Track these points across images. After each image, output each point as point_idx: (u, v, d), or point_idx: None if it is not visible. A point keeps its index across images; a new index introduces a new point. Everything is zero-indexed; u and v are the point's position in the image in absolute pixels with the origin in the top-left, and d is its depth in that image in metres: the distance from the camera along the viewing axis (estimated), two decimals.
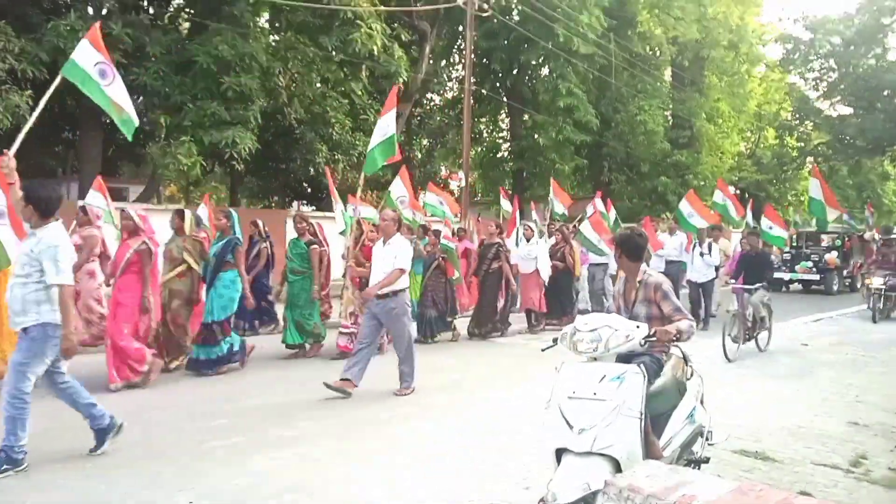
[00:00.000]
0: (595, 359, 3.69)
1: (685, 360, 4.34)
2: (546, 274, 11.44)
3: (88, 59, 6.86)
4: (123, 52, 14.30)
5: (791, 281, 20.49)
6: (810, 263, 20.32)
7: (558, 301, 11.92)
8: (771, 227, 14.56)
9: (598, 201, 14.41)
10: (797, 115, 35.14)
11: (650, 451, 3.54)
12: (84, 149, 16.41)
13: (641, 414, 3.47)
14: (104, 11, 15.10)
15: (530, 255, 11.52)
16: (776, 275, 21.29)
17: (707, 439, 4.38)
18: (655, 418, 3.80)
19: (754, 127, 34.16)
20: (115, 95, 6.93)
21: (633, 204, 27.95)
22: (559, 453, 3.50)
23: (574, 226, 13.29)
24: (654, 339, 3.82)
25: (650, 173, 26.35)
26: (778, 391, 7.65)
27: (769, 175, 33.95)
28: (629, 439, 3.40)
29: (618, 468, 3.33)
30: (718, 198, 15.83)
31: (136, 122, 7.24)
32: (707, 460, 4.26)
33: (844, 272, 20.85)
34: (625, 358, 3.85)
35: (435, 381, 7.67)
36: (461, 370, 8.45)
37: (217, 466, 4.79)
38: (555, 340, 3.92)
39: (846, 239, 21.42)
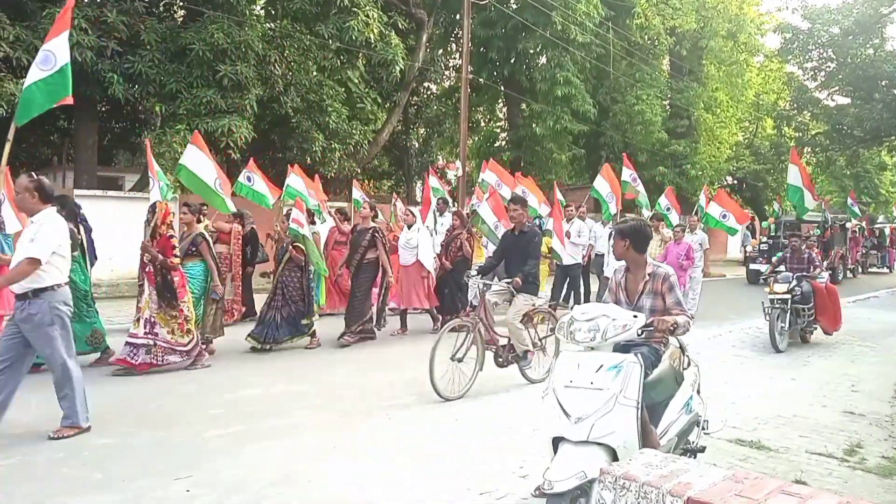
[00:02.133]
0: (592, 348, 3.69)
1: (682, 349, 4.35)
2: (430, 265, 10.13)
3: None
4: (119, 41, 14.22)
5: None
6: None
7: (449, 296, 10.37)
8: (724, 216, 13.49)
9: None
10: (795, 105, 35.04)
11: (647, 440, 3.54)
12: (79, 137, 16.33)
13: (638, 403, 3.47)
14: None
15: (409, 243, 10.20)
16: (752, 266, 20.83)
17: (703, 428, 4.39)
18: (652, 407, 3.80)
19: (752, 117, 34.07)
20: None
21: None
22: (556, 442, 3.50)
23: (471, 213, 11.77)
24: (651, 328, 3.82)
25: (648, 163, 26.29)
26: (774, 381, 7.67)
27: (767, 165, 33.94)
28: (626, 428, 3.40)
29: (614, 457, 3.33)
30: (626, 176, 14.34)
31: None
32: (703, 449, 4.27)
33: (825, 263, 20.68)
34: (623, 348, 3.85)
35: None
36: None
37: (214, 455, 4.80)
38: (552, 331, 3.92)
39: (826, 228, 20.95)
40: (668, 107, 28.22)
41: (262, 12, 18.85)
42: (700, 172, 26.62)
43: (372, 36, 16.80)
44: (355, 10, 16.46)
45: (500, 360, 7.05)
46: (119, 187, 19.55)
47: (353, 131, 18.66)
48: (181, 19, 17.63)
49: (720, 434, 5.04)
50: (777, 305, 9.50)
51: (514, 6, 24.08)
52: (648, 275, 4.19)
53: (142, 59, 14.53)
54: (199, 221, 8.43)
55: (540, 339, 7.28)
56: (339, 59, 18.47)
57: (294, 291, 8.68)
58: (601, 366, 3.58)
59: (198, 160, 8.18)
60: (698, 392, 4.44)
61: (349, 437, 5.30)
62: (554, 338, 6.95)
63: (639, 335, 3.75)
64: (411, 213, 10.63)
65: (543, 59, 25.48)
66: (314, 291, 9.36)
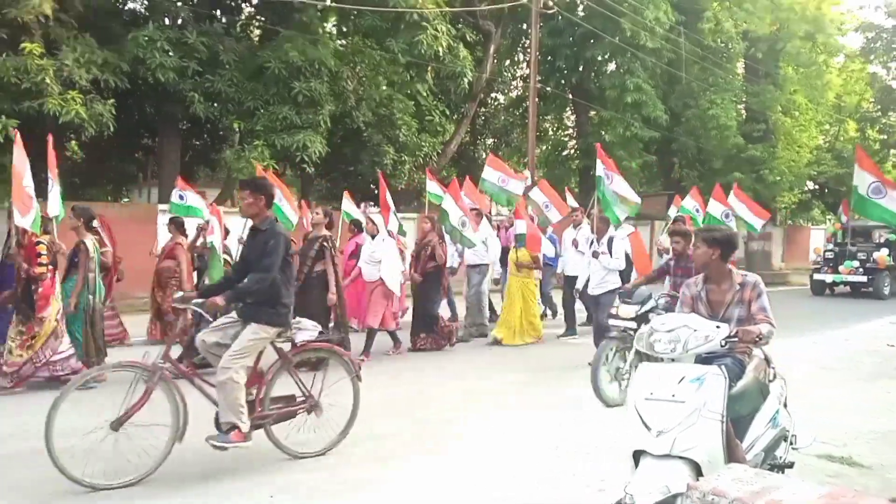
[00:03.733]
0: (673, 360, 3.62)
1: (767, 361, 4.21)
2: (393, 282, 8.87)
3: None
4: (199, 61, 14.81)
5: (835, 283, 18.16)
6: (856, 263, 17.84)
7: (422, 311, 9.49)
8: (727, 215, 12.47)
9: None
10: (879, 106, 33.53)
11: (732, 455, 3.44)
12: (163, 154, 17.06)
13: (723, 416, 3.38)
14: (179, 21, 15.69)
15: (373, 257, 9.14)
16: (816, 276, 18.45)
17: (791, 443, 4.24)
18: (737, 421, 3.70)
19: (833, 119, 32.73)
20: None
21: (705, 200, 27.19)
22: (637, 456, 3.45)
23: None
24: (735, 339, 3.72)
25: (723, 169, 25.55)
26: (864, 394, 7.34)
27: (850, 169, 32.50)
28: (710, 442, 3.32)
29: (698, 472, 3.26)
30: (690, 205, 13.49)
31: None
32: (791, 465, 4.12)
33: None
34: (705, 360, 3.76)
35: (503, 380, 7.66)
36: (530, 369, 8.39)
37: (293, 460, 4.91)
38: (632, 343, 3.85)
39: None
40: (743, 111, 27.42)
41: (335, 30, 19.32)
42: (779, 178, 25.72)
43: (440, 49, 16.97)
44: (424, 24, 16.68)
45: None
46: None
47: (423, 143, 18.89)
48: (258, 39, 18.27)
49: (809, 450, 4.85)
50: (614, 336, 6.82)
51: (582, 14, 23.92)
52: (739, 284, 4.06)
53: (221, 79, 15.09)
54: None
55: (308, 393, 5.09)
56: (408, 72, 18.73)
57: None
58: (683, 378, 3.50)
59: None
60: (785, 405, 4.29)
61: (421, 445, 5.35)
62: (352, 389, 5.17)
63: (722, 346, 3.65)
64: (371, 221, 9.48)
65: (612, 66, 25.17)
66: None
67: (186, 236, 9.47)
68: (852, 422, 6.13)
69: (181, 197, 10.26)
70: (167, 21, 15.55)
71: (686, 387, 3.46)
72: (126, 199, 23.26)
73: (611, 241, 9.01)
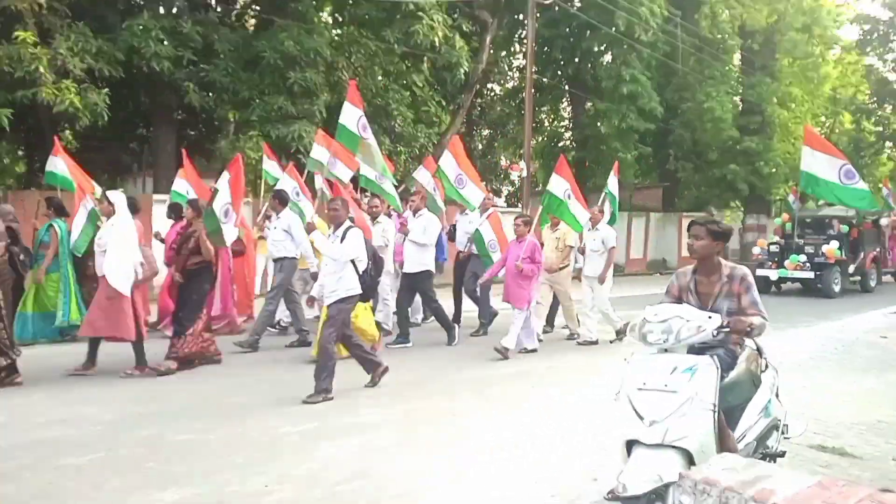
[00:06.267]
0: (666, 350, 3.62)
1: (759, 352, 4.22)
2: (122, 283, 6.86)
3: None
4: (194, 50, 14.72)
5: (781, 280, 16.43)
6: (803, 257, 16.23)
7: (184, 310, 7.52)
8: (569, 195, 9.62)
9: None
10: (875, 98, 33.59)
11: (724, 445, 3.46)
12: (158, 145, 16.97)
13: (715, 406, 3.39)
14: (174, 10, 15.59)
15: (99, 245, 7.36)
16: (759, 272, 15.90)
17: (783, 433, 4.25)
18: (729, 411, 3.71)
19: (829, 111, 32.78)
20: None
21: (701, 192, 27.22)
22: (629, 445, 3.46)
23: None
24: (727, 329, 3.72)
25: (719, 161, 25.61)
26: (857, 385, 7.37)
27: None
28: (702, 431, 3.34)
29: (690, 461, 3.27)
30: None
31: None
32: (783, 454, 4.15)
33: (851, 267, 16.99)
34: (697, 350, 3.76)
35: (498, 373, 7.68)
36: (526, 362, 8.41)
37: (289, 452, 4.92)
38: (618, 333, 3.86)
39: (854, 225, 17.43)
40: (739, 102, 27.43)
41: (330, 19, 19.22)
42: (774, 170, 25.76)
43: (437, 39, 16.90)
44: (420, 14, 16.60)
45: None
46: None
47: (419, 134, 18.82)
48: (253, 28, 18.16)
49: (801, 440, 4.87)
50: None
51: (578, 5, 23.85)
52: (727, 276, 4.06)
53: (216, 68, 15.01)
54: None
55: None
56: (404, 63, 18.67)
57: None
58: (675, 368, 3.51)
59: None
60: (777, 396, 4.30)
61: (417, 436, 5.37)
62: None
63: (714, 336, 3.66)
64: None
65: (608, 57, 25.14)
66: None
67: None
68: (843, 413, 6.16)
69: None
70: (162, 10, 15.44)
71: (678, 377, 3.47)
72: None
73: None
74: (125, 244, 6.93)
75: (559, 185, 9.42)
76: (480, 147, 28.91)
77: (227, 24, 16.67)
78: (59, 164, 9.66)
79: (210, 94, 15.31)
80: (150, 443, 5.06)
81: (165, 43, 14.14)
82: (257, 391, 6.65)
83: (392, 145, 18.22)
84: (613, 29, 22.00)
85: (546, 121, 30.59)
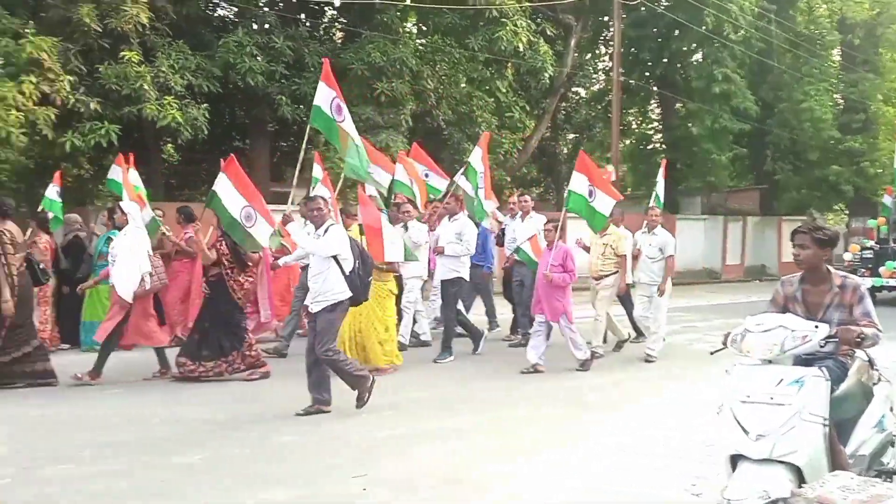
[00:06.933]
0: (770, 361, 3.49)
1: (871, 363, 4.01)
2: (126, 290, 6.96)
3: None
4: (285, 64, 15.23)
5: (875, 288, 14.61)
6: None
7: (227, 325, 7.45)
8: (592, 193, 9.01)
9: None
10: None
11: (835, 461, 3.30)
12: (253, 156, 17.64)
13: (825, 420, 3.24)
14: (266, 26, 16.19)
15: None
16: None
17: None
18: (840, 425, 3.53)
19: None
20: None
21: (801, 195, 25.97)
22: (734, 460, 3.35)
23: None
24: (835, 339, 3.55)
25: (820, 161, 24.39)
26: None
27: None
28: (812, 446, 3.20)
29: (799, 477, 3.14)
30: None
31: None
32: None
33: None
34: (804, 362, 3.61)
35: (594, 381, 7.58)
36: (621, 369, 8.26)
37: (386, 455, 5.02)
38: (724, 343, 3.74)
39: None
40: (840, 100, 26.10)
41: (415, 29, 19.49)
42: (881, 170, 24.34)
43: (520, 45, 16.88)
44: (504, 20, 16.63)
45: None
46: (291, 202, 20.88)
47: (503, 140, 18.81)
48: (340, 41, 18.64)
49: None
50: None
51: (666, 4, 23.31)
52: (838, 286, 3.86)
53: (306, 81, 15.47)
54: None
55: None
56: (487, 70, 18.72)
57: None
58: (781, 379, 3.38)
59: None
60: (892, 409, 4.07)
61: (511, 441, 5.36)
62: None
63: (821, 347, 3.50)
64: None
65: (699, 56, 24.44)
66: None
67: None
68: None
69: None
70: (255, 26, 16.07)
71: (785, 389, 3.33)
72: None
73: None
74: (134, 254, 7.06)
75: (580, 182, 8.45)
76: (566, 151, 28.61)
77: (316, 37, 17.16)
78: (118, 174, 9.90)
79: (301, 106, 15.79)
80: (255, 443, 5.27)
81: (258, 58, 14.69)
82: (351, 393, 6.80)
83: None
84: (703, 27, 21.38)
85: (634, 123, 30.01)
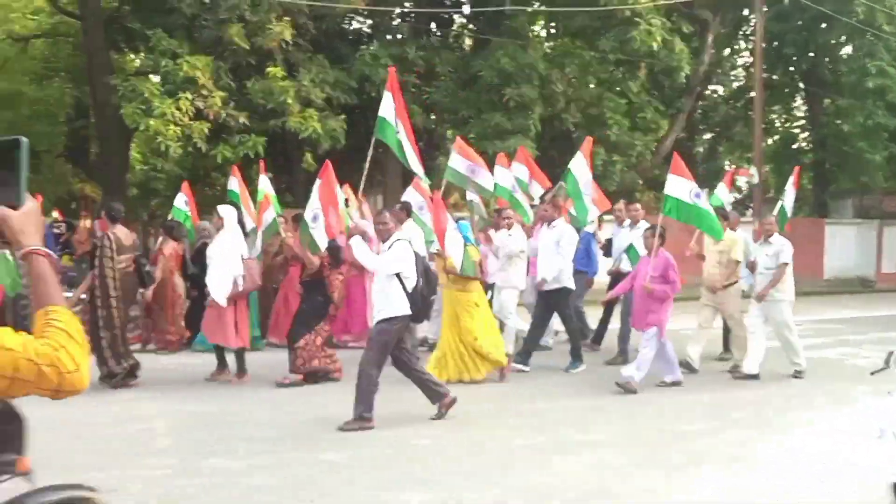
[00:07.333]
0: None
1: None
2: (219, 293, 7.21)
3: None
4: (417, 74, 15.61)
5: None
6: None
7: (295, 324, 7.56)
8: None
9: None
10: None
11: None
12: (387, 165, 18.16)
13: None
14: (399, 37, 16.64)
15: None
16: None
17: None
18: None
19: None
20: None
21: None
22: None
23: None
24: None
25: None
26: None
27: None
28: None
29: None
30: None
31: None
32: None
33: None
34: None
35: (737, 395, 7.21)
36: (766, 385, 7.77)
37: (522, 465, 4.99)
38: (887, 362, 3.44)
39: None
40: None
41: (544, 32, 19.39)
42: None
43: (655, 44, 16.38)
44: (637, 20, 16.20)
45: None
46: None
47: (635, 142, 18.31)
48: (469, 48, 18.85)
49: None
50: None
51: None
52: None
53: (437, 90, 15.79)
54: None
55: None
56: (619, 70, 18.31)
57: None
58: None
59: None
60: None
61: (650, 455, 5.19)
62: None
63: None
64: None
65: (849, 50, 22.74)
66: None
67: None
68: None
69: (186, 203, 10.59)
70: (388, 38, 16.56)
71: None
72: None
73: None
74: (227, 256, 7.29)
75: (681, 186, 7.70)
76: (702, 151, 27.47)
77: (447, 45, 17.46)
78: (235, 184, 10.27)
79: (431, 115, 16.11)
80: (395, 444, 5.40)
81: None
82: (486, 401, 6.84)
83: (607, 155, 17.92)
84: (854, 19, 19.87)
85: (777, 121, 28.33)
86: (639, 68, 18.49)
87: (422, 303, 6.01)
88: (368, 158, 8.42)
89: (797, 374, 7.94)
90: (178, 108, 12.21)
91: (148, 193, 20.63)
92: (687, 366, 7.88)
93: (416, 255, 6.16)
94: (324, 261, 7.46)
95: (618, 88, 18.53)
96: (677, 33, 17.98)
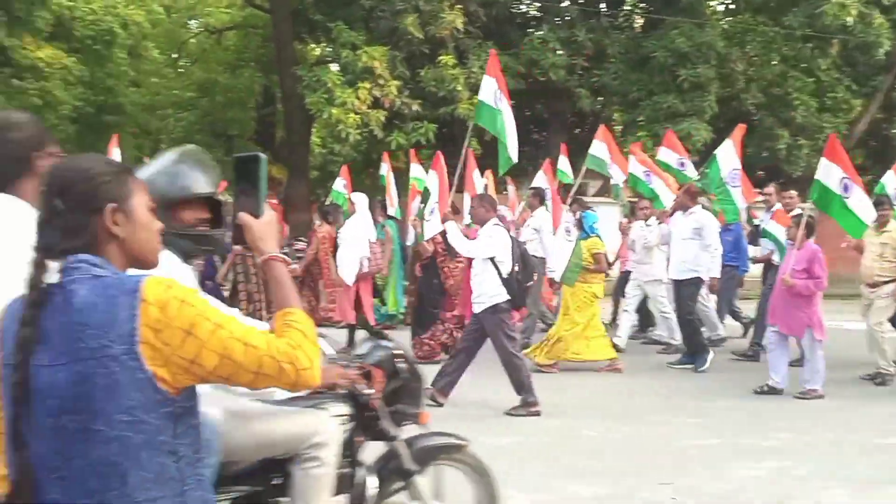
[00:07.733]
0: None
1: None
2: (347, 273, 7.81)
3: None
4: (586, 57, 15.36)
5: None
6: None
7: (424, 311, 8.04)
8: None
9: None
10: None
11: None
12: (549, 149, 18.11)
13: None
14: (568, 18, 16.42)
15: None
16: None
17: None
18: None
19: None
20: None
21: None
22: None
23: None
24: None
25: None
26: None
27: None
28: None
29: None
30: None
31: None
32: None
33: None
34: None
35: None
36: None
37: (695, 467, 4.88)
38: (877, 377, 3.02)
39: None
40: None
41: (723, 8, 18.35)
42: None
43: (849, 18, 14.99)
44: None
45: None
46: (583, 193, 21.10)
47: (823, 124, 16.91)
48: (640, 29, 18.23)
49: None
50: None
51: None
52: None
53: (606, 72, 15.47)
54: None
55: None
56: (806, 46, 16.94)
57: None
58: None
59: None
60: None
61: (845, 468, 4.87)
62: None
63: None
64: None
65: None
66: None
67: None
68: None
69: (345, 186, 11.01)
70: (557, 21, 16.39)
71: None
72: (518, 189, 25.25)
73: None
74: (355, 240, 7.93)
75: (831, 172, 6.86)
76: None
77: (617, 26, 16.99)
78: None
79: (600, 98, 15.82)
80: (561, 434, 5.49)
81: (560, 53, 15.00)
82: (653, 395, 6.74)
83: (791, 138, 16.72)
84: None
85: None
86: (830, 45, 17.00)
87: (517, 288, 6.01)
88: (466, 146, 8.41)
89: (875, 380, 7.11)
90: (358, 97, 12.86)
91: (326, 176, 21.94)
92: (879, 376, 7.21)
93: (513, 239, 6.21)
94: (438, 247, 7.79)
95: (805, 66, 17.17)
96: (875, 5, 16.34)
